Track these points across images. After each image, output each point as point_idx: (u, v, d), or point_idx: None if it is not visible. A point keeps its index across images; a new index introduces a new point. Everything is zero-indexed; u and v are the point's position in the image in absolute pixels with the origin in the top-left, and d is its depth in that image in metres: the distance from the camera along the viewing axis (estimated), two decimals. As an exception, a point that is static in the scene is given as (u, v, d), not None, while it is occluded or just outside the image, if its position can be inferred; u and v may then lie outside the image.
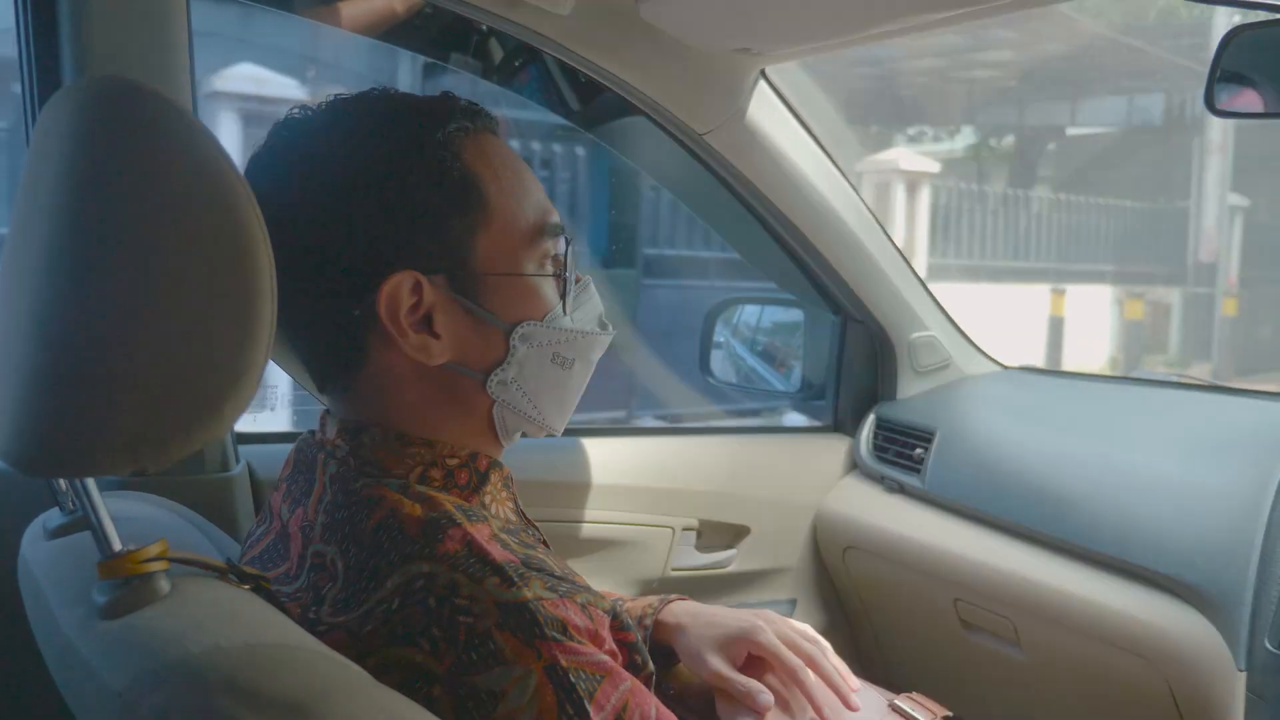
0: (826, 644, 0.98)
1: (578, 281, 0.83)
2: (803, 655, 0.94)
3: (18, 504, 0.85)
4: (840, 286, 1.63)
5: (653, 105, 1.39)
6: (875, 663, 1.70)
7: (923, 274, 1.72)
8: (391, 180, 0.72)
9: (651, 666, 0.78)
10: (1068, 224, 10.45)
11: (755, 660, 0.94)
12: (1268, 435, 1.26)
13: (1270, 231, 11.10)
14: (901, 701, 1.02)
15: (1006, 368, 1.78)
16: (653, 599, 1.01)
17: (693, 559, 1.57)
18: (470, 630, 0.63)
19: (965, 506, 1.47)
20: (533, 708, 0.63)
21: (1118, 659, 1.23)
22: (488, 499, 0.78)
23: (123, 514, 0.73)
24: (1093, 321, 9.72)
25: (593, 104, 1.55)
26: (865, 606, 1.67)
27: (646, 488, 1.52)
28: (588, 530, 1.46)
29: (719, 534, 1.61)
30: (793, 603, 1.68)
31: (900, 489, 1.60)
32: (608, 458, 1.50)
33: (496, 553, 0.67)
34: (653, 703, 0.70)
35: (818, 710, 0.92)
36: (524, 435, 0.84)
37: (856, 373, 1.73)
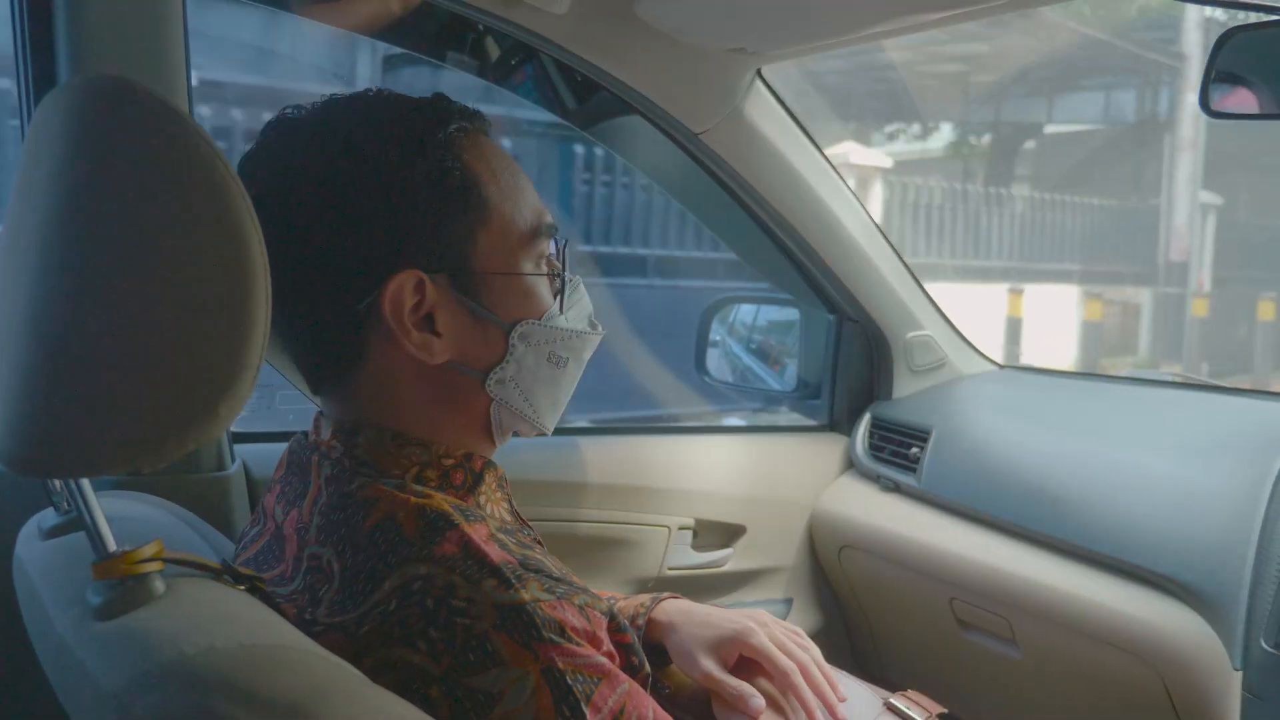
0: (817, 650, 0.98)
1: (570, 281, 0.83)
2: (794, 660, 0.94)
3: (12, 504, 0.85)
4: (836, 286, 1.63)
5: (648, 105, 1.39)
6: (871, 661, 1.71)
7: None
8: (396, 181, 0.72)
9: (648, 668, 0.78)
10: (1032, 221, 10.22)
11: (747, 661, 0.94)
12: (1263, 434, 1.26)
13: (1246, 230, 10.87)
14: (897, 700, 1.02)
15: (1002, 367, 1.78)
16: (645, 597, 1.01)
17: (688, 558, 1.57)
18: (468, 631, 0.63)
19: (961, 505, 1.47)
20: (530, 709, 0.63)
21: (1114, 658, 1.23)
22: (483, 499, 0.78)
23: (118, 514, 0.73)
24: (1054, 322, 9.47)
25: (588, 103, 1.55)
26: (861, 605, 1.67)
27: (642, 487, 1.52)
28: (583, 530, 1.46)
29: (714, 533, 1.61)
30: (788, 602, 1.68)
31: (896, 488, 1.60)
32: (603, 457, 1.50)
33: (494, 554, 0.67)
34: (650, 704, 0.70)
35: (810, 714, 0.92)
36: (516, 435, 0.84)
37: (852, 372, 1.73)
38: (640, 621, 0.97)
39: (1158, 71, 10.66)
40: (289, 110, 0.77)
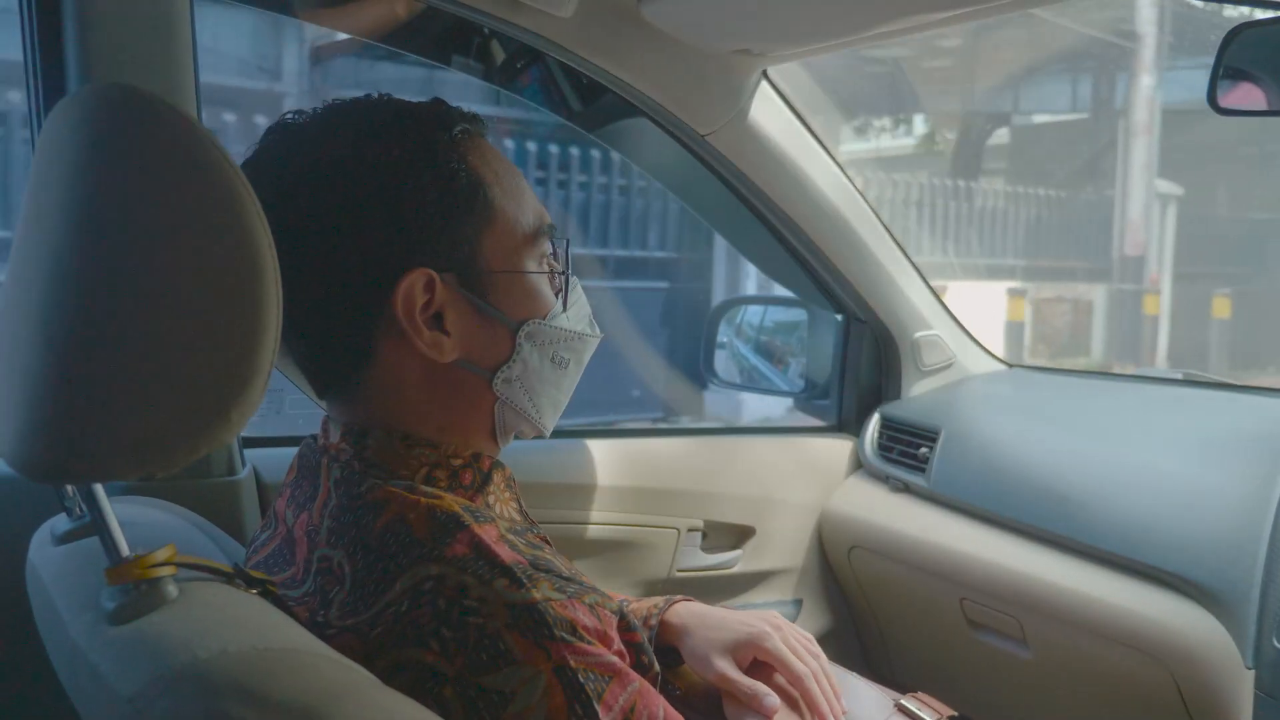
0: (825, 658, 0.98)
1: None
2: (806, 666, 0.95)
3: (25, 509, 0.85)
4: (844, 286, 1.63)
5: (654, 107, 1.39)
6: (881, 662, 1.70)
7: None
8: (405, 183, 0.73)
9: (658, 667, 0.79)
10: (968, 213, 9.39)
11: (760, 664, 0.94)
12: (1274, 432, 1.26)
13: (1208, 223, 10.00)
14: (907, 701, 1.02)
15: (1011, 366, 1.78)
16: (658, 600, 1.01)
17: (698, 560, 1.57)
18: (480, 631, 0.64)
19: (971, 505, 1.47)
20: (542, 708, 0.63)
21: (1125, 657, 1.22)
22: (491, 499, 0.79)
23: (130, 519, 0.73)
24: (986, 322, 8.81)
25: (594, 106, 1.55)
26: (871, 606, 1.67)
27: (651, 489, 1.52)
28: (593, 532, 1.46)
29: (724, 535, 1.61)
30: (798, 603, 1.68)
31: (905, 488, 1.60)
32: (612, 459, 1.50)
33: (505, 554, 0.68)
34: (660, 703, 0.70)
35: (822, 718, 0.92)
36: (518, 436, 0.85)
37: (860, 372, 1.73)
38: (653, 623, 0.98)
39: (1110, 54, 9.99)
40: (289, 116, 0.78)
